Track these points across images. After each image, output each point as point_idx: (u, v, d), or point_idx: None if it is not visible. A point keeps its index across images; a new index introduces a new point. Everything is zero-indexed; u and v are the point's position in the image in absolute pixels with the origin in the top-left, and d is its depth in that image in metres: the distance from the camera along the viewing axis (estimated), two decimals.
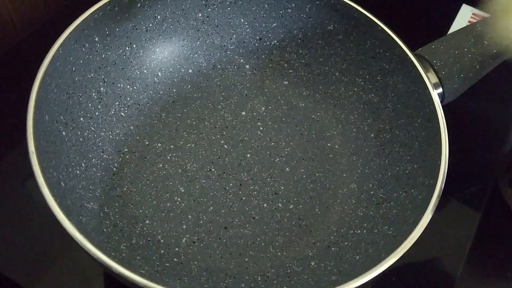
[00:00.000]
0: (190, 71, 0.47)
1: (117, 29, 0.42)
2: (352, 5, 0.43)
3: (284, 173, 0.43)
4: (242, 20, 0.47)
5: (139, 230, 0.38)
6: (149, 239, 0.38)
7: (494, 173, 0.47)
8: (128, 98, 0.44)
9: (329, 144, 0.45)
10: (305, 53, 0.47)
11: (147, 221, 0.39)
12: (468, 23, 0.56)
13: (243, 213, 0.40)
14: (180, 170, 0.42)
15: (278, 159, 0.43)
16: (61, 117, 0.37)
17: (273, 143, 0.44)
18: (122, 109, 0.43)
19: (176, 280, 0.35)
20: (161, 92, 0.46)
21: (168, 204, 0.40)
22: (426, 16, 0.58)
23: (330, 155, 0.44)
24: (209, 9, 0.46)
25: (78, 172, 0.38)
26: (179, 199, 0.40)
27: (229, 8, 0.46)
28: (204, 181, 0.41)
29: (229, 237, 0.39)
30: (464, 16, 0.57)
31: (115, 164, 0.41)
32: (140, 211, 0.39)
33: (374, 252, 0.35)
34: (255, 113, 0.46)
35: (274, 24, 0.47)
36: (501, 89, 0.54)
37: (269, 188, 0.42)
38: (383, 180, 0.41)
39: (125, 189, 0.40)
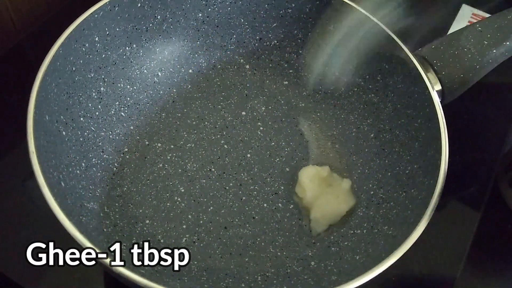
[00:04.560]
0: (190, 71, 0.47)
1: (117, 29, 0.42)
2: (352, 5, 0.43)
3: (284, 173, 0.43)
4: (242, 20, 0.47)
5: (139, 230, 0.38)
6: (149, 239, 0.38)
7: (494, 173, 0.47)
8: (128, 98, 0.44)
9: (329, 144, 0.45)
10: (305, 53, 0.47)
11: (147, 221, 0.39)
12: (468, 23, 0.56)
13: (243, 213, 0.40)
14: (180, 170, 0.42)
15: (278, 159, 0.43)
16: (61, 117, 0.37)
17: (273, 143, 0.44)
18: (122, 109, 0.43)
19: (176, 280, 0.35)
20: (161, 92, 0.46)
21: (168, 204, 0.40)
22: (426, 16, 0.58)
23: (330, 155, 0.44)
24: (209, 9, 0.46)
25: (78, 172, 0.38)
26: (179, 199, 0.40)
27: (229, 8, 0.46)
28: (204, 181, 0.41)
29: (229, 237, 0.39)
30: (464, 16, 0.57)
31: (115, 164, 0.41)
32: (140, 211, 0.39)
33: (374, 252, 0.35)
34: (255, 113, 0.46)
35: (274, 24, 0.47)
36: (501, 89, 0.54)
37: (269, 188, 0.42)
38: (383, 180, 0.41)
39: (125, 189, 0.40)
